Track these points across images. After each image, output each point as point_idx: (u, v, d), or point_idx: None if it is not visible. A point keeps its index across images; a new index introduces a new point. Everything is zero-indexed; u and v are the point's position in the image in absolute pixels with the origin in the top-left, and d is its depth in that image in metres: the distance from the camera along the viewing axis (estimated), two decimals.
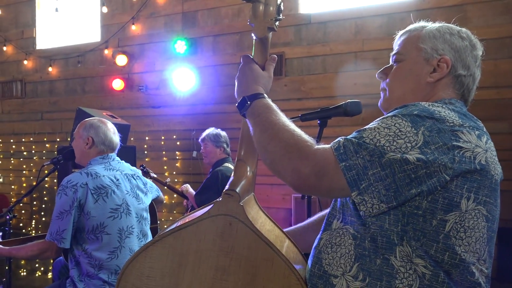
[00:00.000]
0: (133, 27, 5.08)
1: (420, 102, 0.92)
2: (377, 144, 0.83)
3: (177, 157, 4.87)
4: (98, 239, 1.94)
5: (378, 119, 0.90)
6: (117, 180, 2.06)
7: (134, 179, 2.18)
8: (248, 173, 1.03)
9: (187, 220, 0.99)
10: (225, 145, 3.47)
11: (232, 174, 1.03)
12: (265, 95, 1.03)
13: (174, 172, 4.86)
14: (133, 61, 5.10)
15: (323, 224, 0.97)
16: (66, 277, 2.05)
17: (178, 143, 4.85)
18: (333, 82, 4.18)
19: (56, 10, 4.84)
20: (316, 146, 0.88)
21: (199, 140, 3.58)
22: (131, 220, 2.04)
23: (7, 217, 2.28)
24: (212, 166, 3.44)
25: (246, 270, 0.90)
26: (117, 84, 5.04)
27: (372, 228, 0.86)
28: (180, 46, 4.73)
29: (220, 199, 0.95)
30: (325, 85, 4.21)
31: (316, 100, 4.21)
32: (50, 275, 5.34)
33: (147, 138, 4.98)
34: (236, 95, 1.08)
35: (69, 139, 5.32)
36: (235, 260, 0.91)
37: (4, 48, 5.85)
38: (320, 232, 0.97)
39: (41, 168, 2.49)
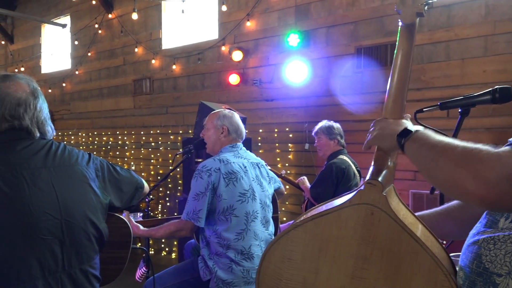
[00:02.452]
0: (248, 23, 5.28)
1: None
2: None
3: (290, 149, 4.96)
4: (227, 221, 2.08)
5: None
6: (245, 167, 2.19)
7: (259, 168, 2.30)
8: (389, 163, 1.01)
9: (325, 208, 1.01)
10: (339, 137, 3.43)
11: (372, 164, 1.02)
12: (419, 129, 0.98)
13: (287, 164, 4.95)
14: (248, 56, 5.30)
15: (484, 221, 0.90)
16: (197, 255, 2.24)
17: (290, 135, 4.93)
18: (457, 70, 3.86)
19: (182, 11, 5.25)
20: (495, 150, 0.77)
21: (313, 133, 3.59)
22: (256, 206, 2.16)
23: (147, 199, 2.56)
24: (327, 158, 3.43)
25: (389, 261, 0.89)
26: (233, 78, 5.29)
27: None
28: (293, 39, 4.78)
29: (362, 188, 0.95)
30: (448, 74, 3.91)
31: (438, 90, 3.92)
32: (174, 255, 5.87)
33: (260, 130, 5.15)
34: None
35: (190, 131, 5.76)
36: (377, 250, 0.90)
37: (136, 50, 6.53)
38: (479, 227, 0.90)
39: (174, 156, 2.73)
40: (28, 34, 8.91)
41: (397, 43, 1.08)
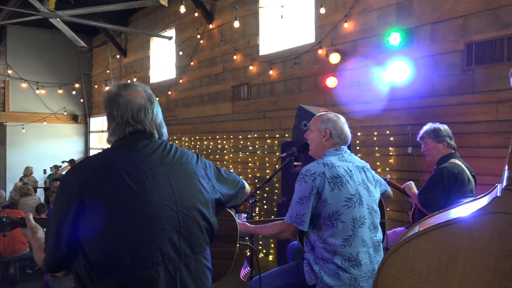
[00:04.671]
0: (346, 25, 5.17)
1: None
2: None
3: (391, 153, 4.73)
4: (333, 226, 2.04)
5: None
6: (350, 171, 2.13)
7: (364, 172, 2.22)
8: None
9: (447, 216, 0.93)
10: (448, 139, 3.17)
11: (506, 167, 0.91)
12: None
13: (387, 169, 4.74)
14: (345, 58, 5.19)
15: None
16: (302, 258, 2.23)
17: (391, 138, 4.70)
18: None
19: (281, 17, 5.33)
20: None
21: (418, 138, 3.38)
22: (363, 211, 2.08)
23: (250, 201, 2.62)
24: (436, 163, 3.19)
25: None
26: (331, 81, 5.22)
27: None
28: (394, 38, 4.56)
29: (499, 195, 0.86)
30: None
31: None
32: (271, 257, 5.95)
33: (359, 134, 5.00)
34: None
35: (287, 135, 5.80)
36: None
37: (234, 57, 6.78)
38: None
39: (278, 159, 2.75)
40: (139, 48, 9.77)
41: None
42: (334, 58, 5.18)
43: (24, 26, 9.98)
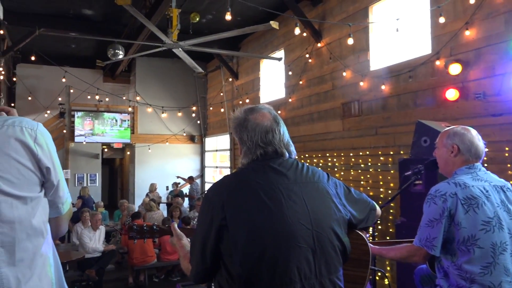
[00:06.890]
0: (467, 33, 4.81)
1: None
2: None
3: None
4: (469, 252, 1.88)
5: None
6: (487, 191, 1.95)
7: (504, 192, 2.01)
8: None
9: None
10: None
11: None
12: None
13: None
14: (468, 68, 4.81)
15: None
16: (434, 285, 2.08)
17: None
18: None
19: (397, 30, 5.16)
20: None
21: None
22: (504, 236, 1.88)
23: None
24: None
25: None
26: (451, 94, 4.88)
27: None
28: None
29: None
30: None
31: None
32: (386, 281, 5.64)
33: (486, 150, 4.54)
34: None
35: (402, 152, 5.53)
36: None
37: (344, 74, 6.72)
38: None
39: (402, 178, 2.65)
40: (249, 70, 10.25)
41: None
42: (455, 69, 4.85)
43: (149, 57, 11.14)
